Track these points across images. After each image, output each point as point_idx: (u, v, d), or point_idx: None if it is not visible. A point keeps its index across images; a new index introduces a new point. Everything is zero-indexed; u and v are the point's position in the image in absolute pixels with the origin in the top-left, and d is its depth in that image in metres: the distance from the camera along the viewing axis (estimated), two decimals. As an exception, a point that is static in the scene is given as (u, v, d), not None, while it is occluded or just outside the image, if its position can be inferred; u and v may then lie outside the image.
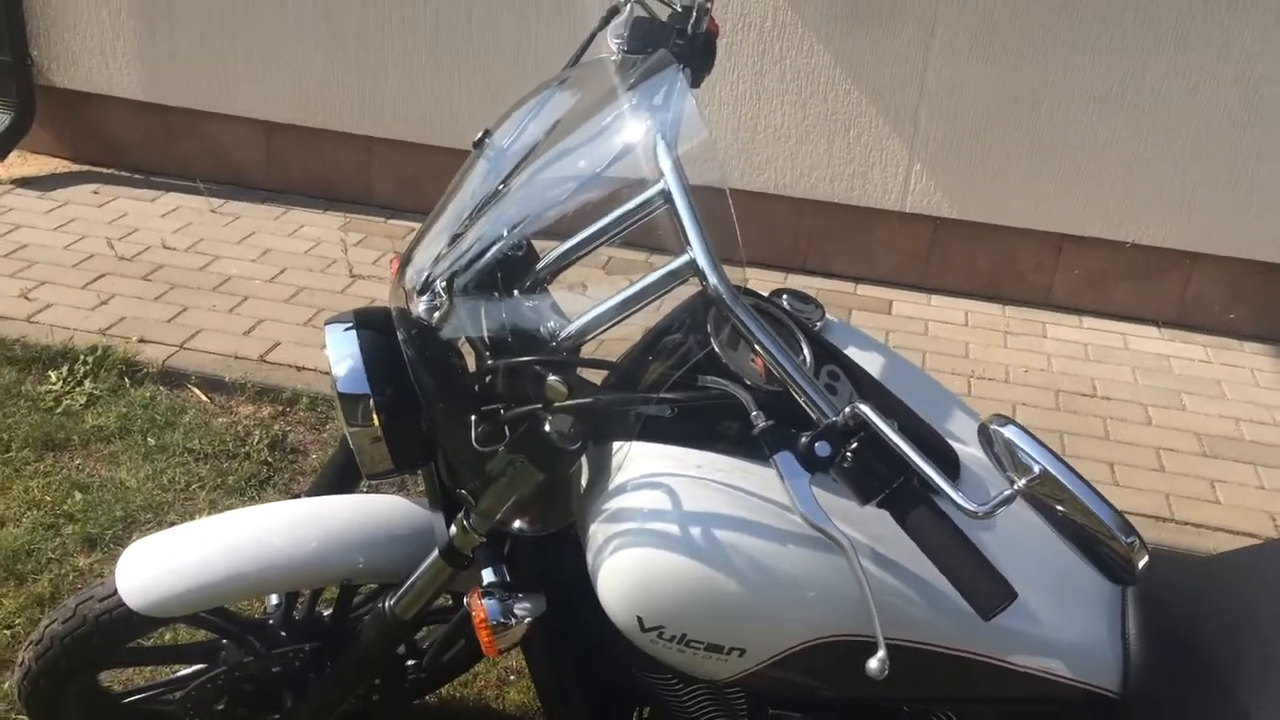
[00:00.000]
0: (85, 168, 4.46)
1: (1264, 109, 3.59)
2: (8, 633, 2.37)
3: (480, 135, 1.44)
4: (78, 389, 3.11)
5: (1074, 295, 3.96)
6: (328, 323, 1.44)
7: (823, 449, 1.18)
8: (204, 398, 3.15)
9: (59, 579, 2.51)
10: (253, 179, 4.40)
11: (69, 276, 3.64)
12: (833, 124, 3.85)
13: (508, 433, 1.34)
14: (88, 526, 2.64)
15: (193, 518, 2.69)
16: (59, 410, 3.03)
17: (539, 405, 1.28)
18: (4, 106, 4.29)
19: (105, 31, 4.23)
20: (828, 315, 1.59)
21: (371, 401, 1.39)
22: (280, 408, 3.12)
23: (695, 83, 1.54)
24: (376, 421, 1.39)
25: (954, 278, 4.01)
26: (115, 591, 1.63)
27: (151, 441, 2.94)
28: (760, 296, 1.53)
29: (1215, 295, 3.87)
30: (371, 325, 1.43)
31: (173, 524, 2.70)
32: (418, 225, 4.38)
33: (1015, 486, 1.08)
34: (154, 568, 1.64)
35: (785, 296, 1.57)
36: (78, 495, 2.73)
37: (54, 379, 3.14)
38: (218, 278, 3.72)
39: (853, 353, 1.55)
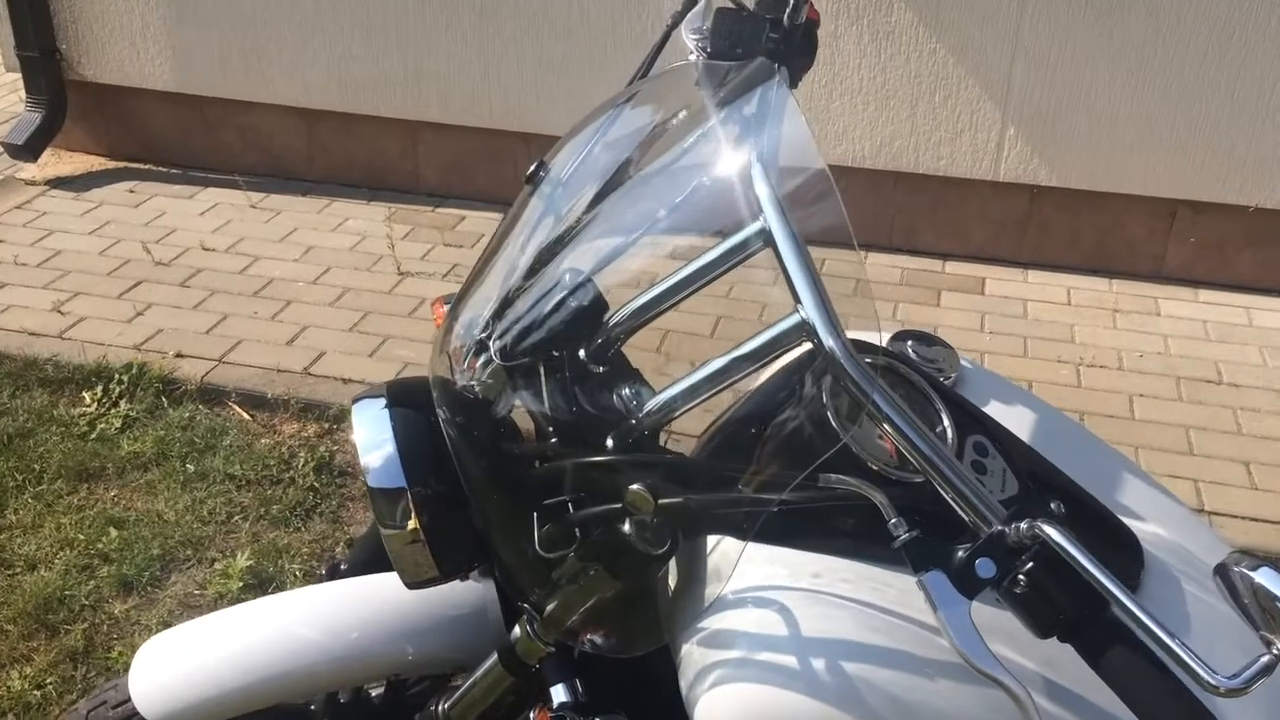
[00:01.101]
0: (121, 164, 4.26)
1: None
2: (38, 693, 2.19)
3: (534, 167, 1.16)
4: (113, 411, 2.91)
5: (1189, 266, 3.60)
6: (356, 400, 1.18)
7: (985, 568, 0.92)
8: (245, 416, 2.93)
9: (93, 629, 2.32)
10: (294, 170, 4.16)
11: (103, 286, 3.44)
12: (917, 87, 3.51)
13: (578, 534, 1.08)
14: (123, 568, 2.45)
15: (234, 554, 2.49)
16: (93, 436, 2.83)
17: (617, 506, 1.02)
18: (35, 105, 4.09)
19: (135, 21, 4.00)
20: (963, 360, 1.29)
21: (410, 498, 1.13)
22: (326, 425, 2.89)
23: (793, 82, 1.24)
24: (417, 522, 1.14)
25: (1054, 251, 3.66)
26: (129, 699, 1.42)
27: (190, 468, 2.73)
28: (874, 348, 1.24)
29: (1350, 262, 3.49)
30: (408, 402, 1.17)
31: (213, 560, 2.53)
32: (467, 213, 4.12)
33: (1275, 650, 0.79)
34: (172, 670, 1.42)
35: (910, 343, 1.28)
36: (113, 532, 2.54)
37: (88, 400, 2.94)
38: (259, 281, 3.50)
39: (994, 408, 1.26)
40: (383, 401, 1.17)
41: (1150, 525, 1.21)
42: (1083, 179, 3.53)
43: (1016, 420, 1.25)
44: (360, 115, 3.99)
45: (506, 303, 1.18)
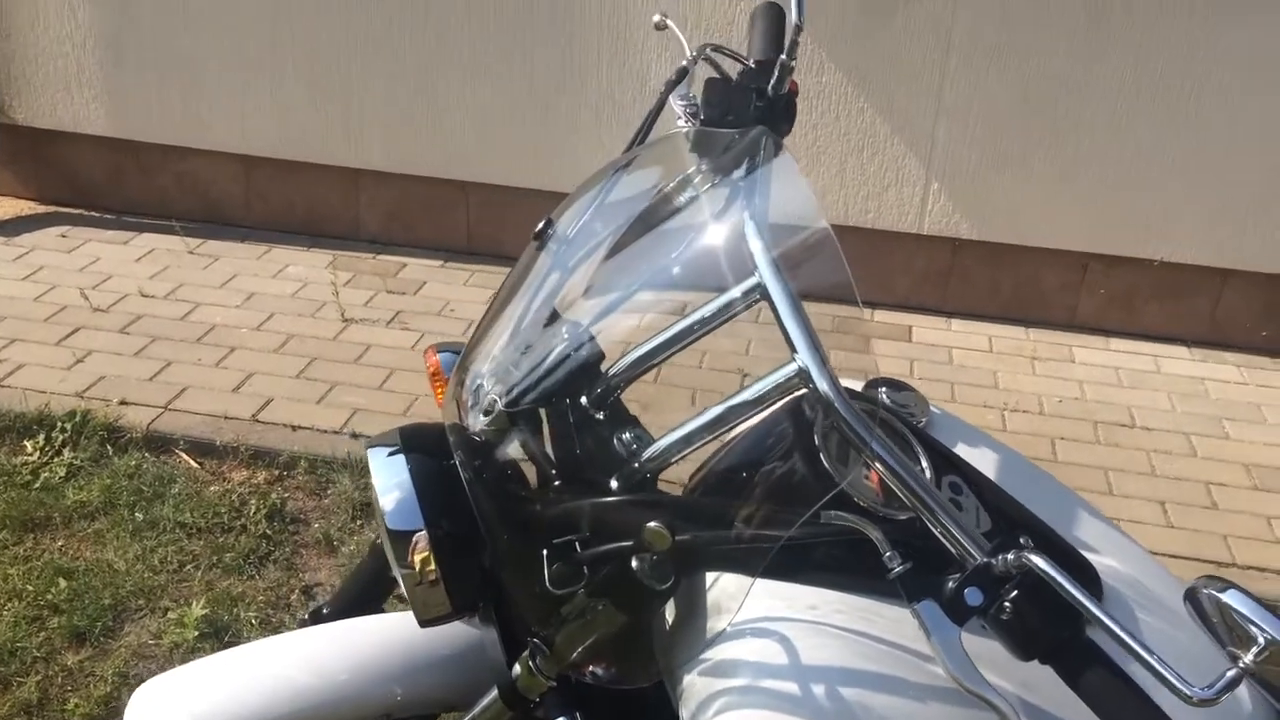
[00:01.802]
0: (51, 209, 4.21)
1: (1297, 119, 3.44)
2: (-8, 748, 2.15)
3: (541, 225, 1.24)
4: (56, 459, 2.88)
5: (1100, 316, 3.80)
6: (369, 446, 1.23)
7: (974, 596, 1.00)
8: (193, 464, 2.92)
9: (47, 681, 2.29)
10: (231, 216, 4.17)
11: (41, 332, 3.40)
12: (846, 144, 3.67)
13: (586, 571, 1.14)
14: (75, 618, 2.42)
15: (188, 603, 2.48)
16: (37, 485, 2.79)
17: (629, 544, 1.09)
18: (-37, 147, 4.03)
19: (69, 65, 3.99)
20: (932, 406, 1.40)
21: (426, 538, 1.19)
22: (276, 472, 2.90)
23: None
24: (434, 561, 1.19)
25: (975, 300, 3.85)
26: (122, 743, 1.43)
27: (139, 516, 2.71)
28: (859, 395, 1.34)
29: (1247, 312, 3.72)
30: (420, 447, 1.23)
31: (166, 610, 2.51)
32: (408, 260, 4.18)
33: (1241, 664, 0.89)
34: (166, 716, 1.43)
35: (884, 390, 1.38)
36: (62, 582, 2.51)
37: (30, 449, 2.90)
38: (201, 327, 3.49)
39: (962, 451, 1.36)
40: (396, 446, 1.22)
41: (1107, 559, 1.31)
42: (1001, 233, 3.72)
43: (983, 462, 1.35)
44: (300, 162, 4.02)
45: (513, 353, 1.25)
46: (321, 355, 3.37)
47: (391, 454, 1.22)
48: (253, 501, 2.78)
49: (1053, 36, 3.46)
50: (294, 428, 3.03)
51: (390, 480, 1.20)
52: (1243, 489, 3.04)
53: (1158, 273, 3.72)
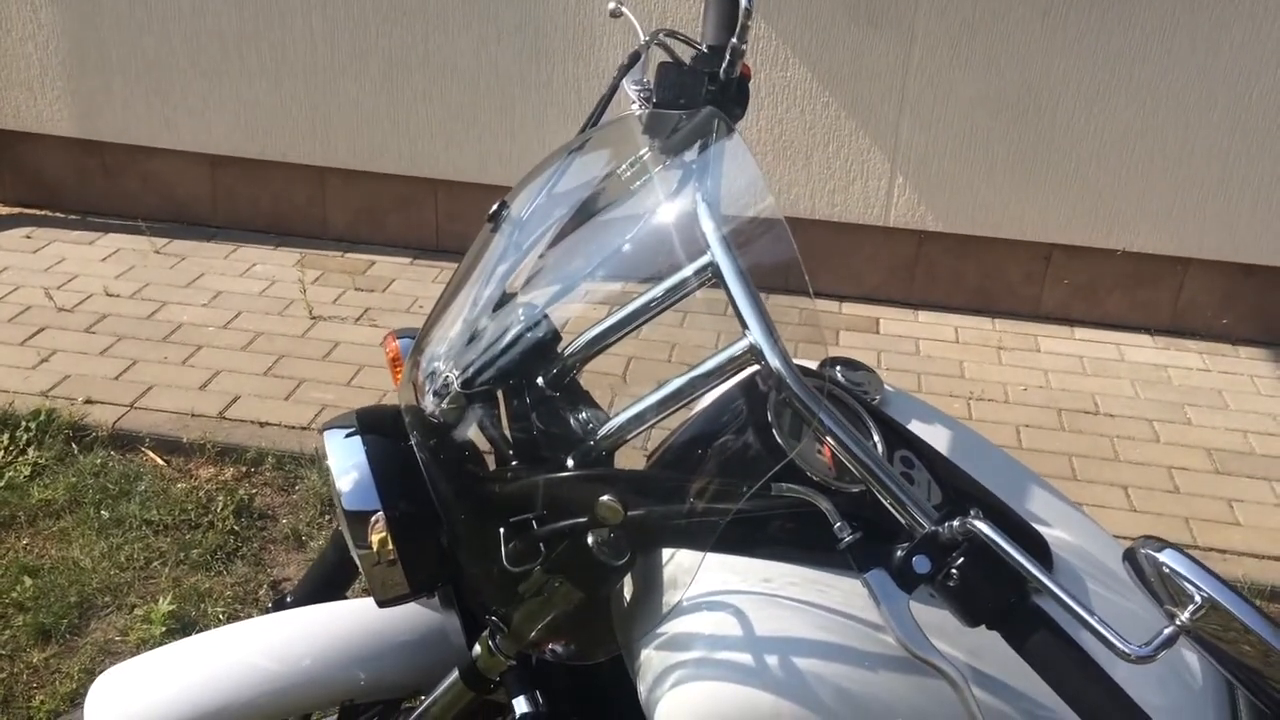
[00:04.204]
0: (15, 210, 4.18)
1: (1254, 108, 3.49)
2: (-44, 747, 2.14)
3: (495, 207, 1.25)
4: (20, 459, 2.86)
5: (1064, 306, 3.85)
6: (325, 428, 1.24)
7: (921, 565, 1.02)
8: (160, 461, 2.91)
9: (11, 679, 2.28)
10: (197, 216, 4.15)
11: (5, 332, 3.38)
12: (811, 138, 3.70)
13: (543, 548, 1.15)
14: (40, 616, 2.41)
15: (155, 599, 2.47)
16: (1, 484, 2.77)
17: (583, 520, 1.10)
18: (-75, 148, 4.00)
19: (32, 67, 3.96)
20: (886, 385, 1.41)
21: (384, 519, 1.19)
22: (244, 469, 2.89)
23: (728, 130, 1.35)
24: (390, 541, 1.20)
25: (941, 292, 3.88)
26: (85, 731, 1.42)
27: (105, 514, 2.70)
28: (812, 372, 1.35)
29: (1208, 301, 3.77)
30: (376, 428, 1.23)
31: (133, 606, 2.51)
32: (376, 258, 4.17)
33: (1178, 621, 0.91)
34: (127, 703, 1.43)
35: (838, 368, 1.39)
36: (27, 580, 2.50)
37: (-7, 449, 2.89)
38: (167, 326, 3.47)
39: (915, 427, 1.38)
40: (352, 428, 1.23)
41: (1056, 530, 1.34)
42: (966, 225, 3.76)
43: (935, 437, 1.37)
44: (267, 161, 4.01)
45: (468, 335, 1.26)
46: (289, 352, 3.36)
47: (348, 435, 1.23)
48: (220, 498, 2.77)
49: (1013, 34, 3.49)
50: (261, 424, 3.02)
51: (347, 462, 1.20)
52: (1204, 473, 3.08)
53: (1120, 263, 3.76)
